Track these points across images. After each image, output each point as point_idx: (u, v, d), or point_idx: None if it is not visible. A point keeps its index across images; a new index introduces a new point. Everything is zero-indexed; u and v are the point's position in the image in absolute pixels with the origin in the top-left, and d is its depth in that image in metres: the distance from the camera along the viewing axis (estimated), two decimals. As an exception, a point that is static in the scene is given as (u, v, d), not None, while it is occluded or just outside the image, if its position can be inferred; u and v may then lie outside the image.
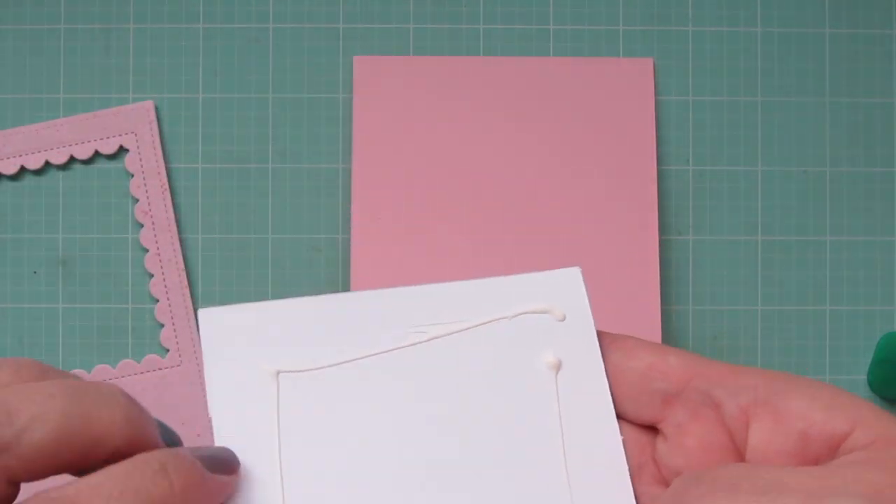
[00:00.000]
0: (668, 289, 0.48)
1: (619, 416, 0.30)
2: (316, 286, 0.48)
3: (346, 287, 0.47)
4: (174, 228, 0.48)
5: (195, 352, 0.47)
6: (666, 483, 0.30)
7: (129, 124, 0.48)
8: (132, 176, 0.47)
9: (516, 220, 0.44)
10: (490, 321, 0.30)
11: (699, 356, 0.30)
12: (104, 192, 0.48)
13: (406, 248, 0.44)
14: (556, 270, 0.31)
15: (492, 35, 0.49)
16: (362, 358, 0.30)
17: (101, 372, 0.47)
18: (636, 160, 0.47)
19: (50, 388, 0.25)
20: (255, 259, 0.48)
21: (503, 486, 0.29)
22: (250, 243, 0.48)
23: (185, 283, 0.48)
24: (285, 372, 0.29)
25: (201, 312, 0.30)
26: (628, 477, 0.29)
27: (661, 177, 0.49)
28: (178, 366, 0.47)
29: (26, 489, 0.24)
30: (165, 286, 0.48)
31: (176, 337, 0.47)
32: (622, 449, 0.30)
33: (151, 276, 0.48)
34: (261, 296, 0.48)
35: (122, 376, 0.47)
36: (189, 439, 0.35)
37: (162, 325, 0.48)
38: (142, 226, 0.48)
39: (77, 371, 0.47)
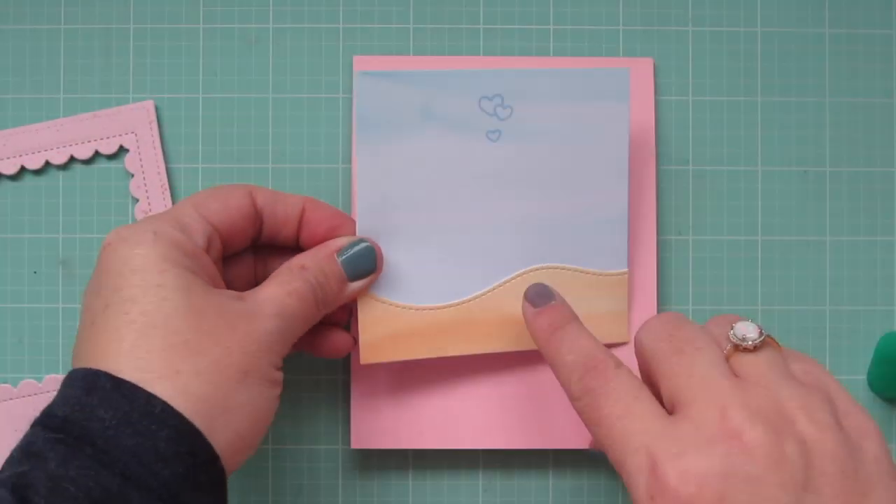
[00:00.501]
0: (668, 289, 0.48)
1: None
2: (316, 286, 0.48)
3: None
4: (174, 228, 0.48)
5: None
6: None
7: (129, 124, 0.48)
8: (132, 176, 0.47)
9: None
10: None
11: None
12: (104, 192, 0.48)
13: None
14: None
15: (492, 35, 0.49)
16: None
17: (101, 372, 0.47)
18: (636, 160, 0.47)
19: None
20: (254, 259, 0.48)
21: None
22: (250, 243, 0.48)
23: (185, 283, 0.48)
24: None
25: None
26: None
27: (661, 177, 0.49)
28: (178, 366, 0.47)
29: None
30: (165, 286, 0.47)
31: (176, 337, 0.47)
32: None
33: (151, 276, 0.48)
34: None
35: (122, 376, 0.47)
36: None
37: (162, 325, 0.48)
38: (142, 226, 0.48)
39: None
